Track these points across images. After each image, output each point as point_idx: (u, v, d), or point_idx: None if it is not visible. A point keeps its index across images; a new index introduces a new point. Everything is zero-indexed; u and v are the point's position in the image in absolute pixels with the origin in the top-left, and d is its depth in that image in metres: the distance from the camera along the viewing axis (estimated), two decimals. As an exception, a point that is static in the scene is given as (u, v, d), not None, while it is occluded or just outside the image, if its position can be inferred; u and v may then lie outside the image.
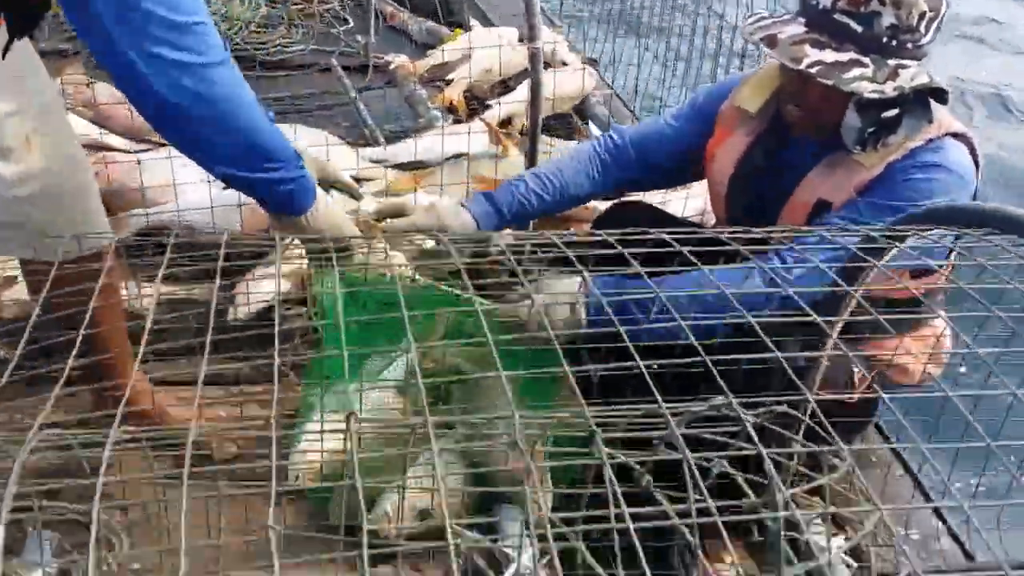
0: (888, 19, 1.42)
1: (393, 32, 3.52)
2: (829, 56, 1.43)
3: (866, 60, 1.43)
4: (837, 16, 1.43)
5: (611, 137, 1.83)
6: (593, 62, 3.27)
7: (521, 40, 3.09)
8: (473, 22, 3.36)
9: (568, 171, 1.78)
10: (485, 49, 2.89)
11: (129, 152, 2.45)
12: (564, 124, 2.89)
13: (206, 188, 2.01)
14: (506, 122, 2.79)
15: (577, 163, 1.79)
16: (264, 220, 1.98)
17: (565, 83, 2.72)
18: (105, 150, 2.40)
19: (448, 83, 2.96)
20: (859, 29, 1.43)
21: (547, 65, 3.00)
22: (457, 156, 2.47)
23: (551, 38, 2.99)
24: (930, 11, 1.44)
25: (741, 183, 1.68)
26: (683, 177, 1.91)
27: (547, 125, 2.78)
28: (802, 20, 1.48)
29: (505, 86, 3.03)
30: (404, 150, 2.53)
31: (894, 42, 1.44)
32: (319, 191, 1.37)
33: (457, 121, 2.81)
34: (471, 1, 3.61)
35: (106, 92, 2.47)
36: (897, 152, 1.52)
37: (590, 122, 2.92)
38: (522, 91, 2.82)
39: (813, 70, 1.42)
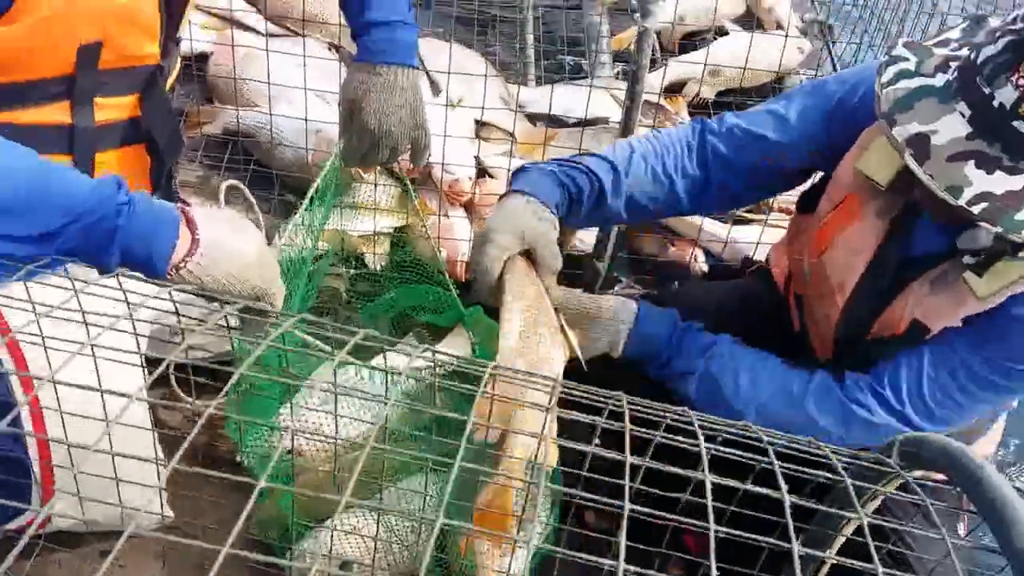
0: None
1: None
2: (999, 183, 1.10)
3: None
4: (1017, 124, 1.09)
5: (711, 131, 1.48)
6: (826, 28, 2.86)
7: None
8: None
9: (632, 164, 1.44)
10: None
11: (257, 31, 2.42)
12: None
13: (304, 101, 1.93)
14: (676, 87, 2.57)
15: (661, 150, 1.46)
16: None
17: (760, 52, 2.36)
18: (234, 24, 2.38)
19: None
20: None
21: (754, 23, 2.75)
22: (593, 122, 2.26)
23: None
24: None
25: (870, 283, 1.39)
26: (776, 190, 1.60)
27: (727, 103, 2.58)
28: (965, 109, 1.13)
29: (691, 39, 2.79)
30: (546, 97, 2.35)
31: None
32: (203, 216, 1.06)
33: (625, 75, 2.61)
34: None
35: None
36: (1021, 284, 1.23)
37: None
38: (702, 53, 2.59)
39: (975, 209, 1.10)
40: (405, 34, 1.47)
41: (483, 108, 1.84)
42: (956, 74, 1.16)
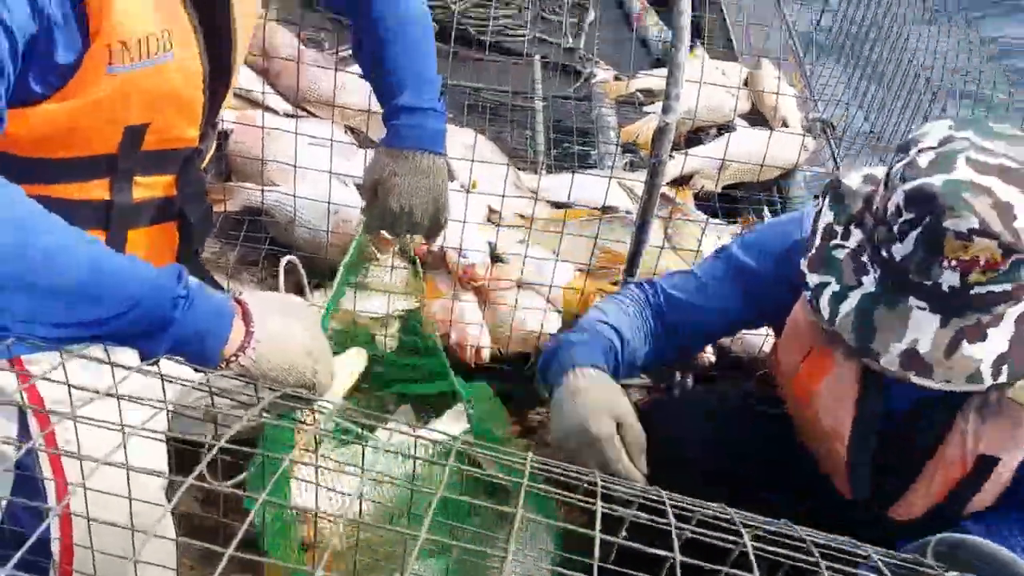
0: None
1: (634, 36, 3.34)
2: (997, 340, 1.12)
3: None
4: (975, 290, 1.11)
5: (653, 294, 1.53)
6: (828, 127, 2.93)
7: (746, 84, 2.94)
8: (698, 49, 3.14)
9: (628, 330, 1.48)
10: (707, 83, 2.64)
11: (279, 114, 2.46)
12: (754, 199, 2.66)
13: (327, 183, 1.97)
14: (684, 179, 2.62)
15: (634, 319, 1.50)
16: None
17: (774, 149, 2.39)
18: (260, 108, 2.43)
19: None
20: (1009, 287, 1.12)
21: (763, 121, 2.83)
22: (609, 210, 2.30)
23: (779, 88, 2.79)
24: None
25: (865, 430, 1.36)
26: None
27: (731, 196, 2.63)
28: (920, 303, 1.13)
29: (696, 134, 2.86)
30: (558, 185, 2.39)
31: None
32: (258, 306, 1.05)
33: (632, 164, 2.66)
34: (723, 24, 3.41)
35: (288, 43, 2.50)
36: None
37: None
38: (716, 146, 2.65)
39: (1002, 378, 1.12)
40: (434, 121, 1.50)
41: (503, 195, 1.87)
42: (880, 272, 1.16)
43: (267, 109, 2.47)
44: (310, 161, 2.01)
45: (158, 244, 1.34)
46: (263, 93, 2.49)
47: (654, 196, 1.71)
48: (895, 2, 2.96)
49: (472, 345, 2.03)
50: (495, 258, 2.15)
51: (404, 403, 1.93)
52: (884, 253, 1.15)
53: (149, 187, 1.28)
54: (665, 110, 1.59)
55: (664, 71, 1.71)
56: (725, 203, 2.61)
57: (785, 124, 2.84)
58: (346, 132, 2.49)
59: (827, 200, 1.26)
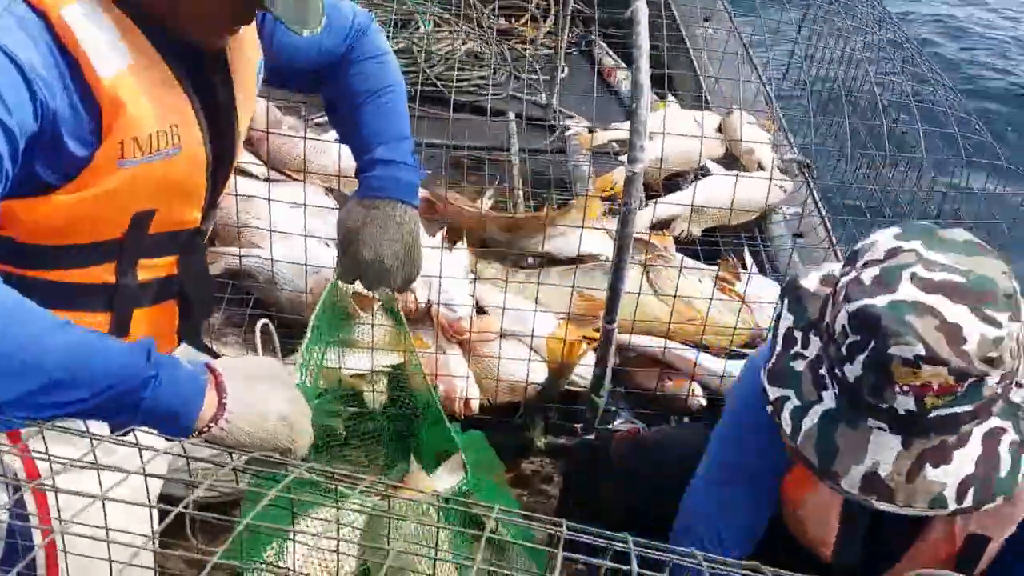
0: (994, 378, 1.05)
1: (607, 90, 3.42)
2: (962, 462, 1.07)
3: (1002, 425, 1.09)
4: (934, 414, 1.05)
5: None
6: (805, 167, 2.95)
7: (720, 129, 2.99)
8: (670, 99, 3.21)
9: None
10: (676, 132, 2.68)
11: (259, 179, 2.51)
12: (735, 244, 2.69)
13: (302, 243, 2.01)
14: (664, 224, 2.65)
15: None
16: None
17: (743, 192, 2.51)
18: (240, 174, 2.47)
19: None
20: (971, 407, 1.06)
21: (737, 164, 2.88)
22: (585, 260, 2.34)
23: (750, 133, 2.84)
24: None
25: (851, 531, 1.33)
26: None
27: (711, 239, 2.67)
28: (880, 424, 1.08)
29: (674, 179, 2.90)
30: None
31: (1010, 385, 1.09)
32: (231, 376, 1.08)
33: (611, 212, 2.70)
34: (695, 76, 3.47)
35: (265, 112, 2.55)
36: None
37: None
38: (689, 192, 2.69)
39: (967, 503, 1.06)
40: (407, 174, 1.52)
41: (482, 248, 1.91)
42: (838, 389, 1.11)
43: (246, 175, 2.52)
44: (289, 222, 2.05)
45: (160, 322, 1.36)
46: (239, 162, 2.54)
47: (626, 243, 1.74)
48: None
49: (460, 397, 2.04)
50: (479, 310, 2.18)
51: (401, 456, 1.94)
52: (838, 372, 1.10)
53: (153, 268, 1.30)
54: (631, 160, 1.62)
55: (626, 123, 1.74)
56: (706, 246, 2.65)
57: (761, 167, 2.88)
58: (326, 193, 2.53)
59: (786, 302, 1.22)
